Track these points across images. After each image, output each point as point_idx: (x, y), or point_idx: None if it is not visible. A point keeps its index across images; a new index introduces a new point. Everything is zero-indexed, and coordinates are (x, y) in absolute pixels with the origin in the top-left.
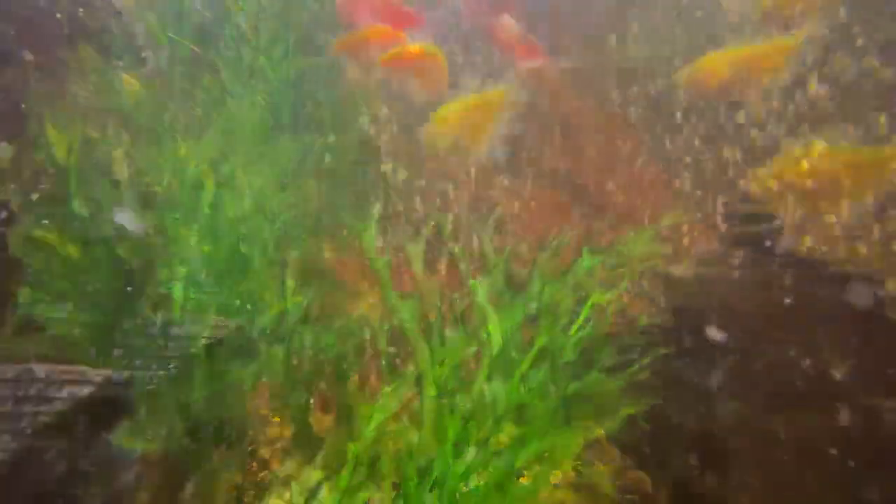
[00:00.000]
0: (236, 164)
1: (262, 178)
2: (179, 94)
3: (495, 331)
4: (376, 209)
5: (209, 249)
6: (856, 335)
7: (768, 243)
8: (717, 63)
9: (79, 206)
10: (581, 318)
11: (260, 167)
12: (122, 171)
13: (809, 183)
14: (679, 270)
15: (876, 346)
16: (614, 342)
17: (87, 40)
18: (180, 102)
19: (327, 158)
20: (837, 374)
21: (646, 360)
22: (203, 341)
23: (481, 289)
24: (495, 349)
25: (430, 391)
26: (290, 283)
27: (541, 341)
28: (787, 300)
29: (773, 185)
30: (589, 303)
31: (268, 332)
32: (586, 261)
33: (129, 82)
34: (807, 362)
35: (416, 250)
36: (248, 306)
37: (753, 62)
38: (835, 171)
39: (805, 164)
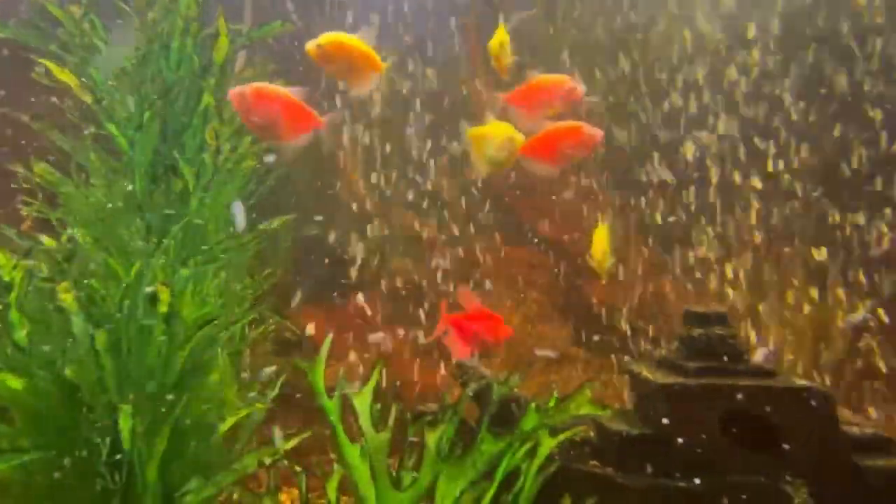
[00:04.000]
0: (195, 267)
1: (224, 275)
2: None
3: (445, 492)
4: (328, 340)
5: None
6: None
7: None
8: None
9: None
10: (532, 469)
11: (222, 264)
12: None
13: None
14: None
15: None
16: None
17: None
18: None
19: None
20: None
21: None
22: None
23: (432, 440)
24: None
25: None
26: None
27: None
28: None
29: None
30: (540, 453)
31: None
32: (531, 421)
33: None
34: None
35: (363, 404)
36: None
37: None
38: None
39: None
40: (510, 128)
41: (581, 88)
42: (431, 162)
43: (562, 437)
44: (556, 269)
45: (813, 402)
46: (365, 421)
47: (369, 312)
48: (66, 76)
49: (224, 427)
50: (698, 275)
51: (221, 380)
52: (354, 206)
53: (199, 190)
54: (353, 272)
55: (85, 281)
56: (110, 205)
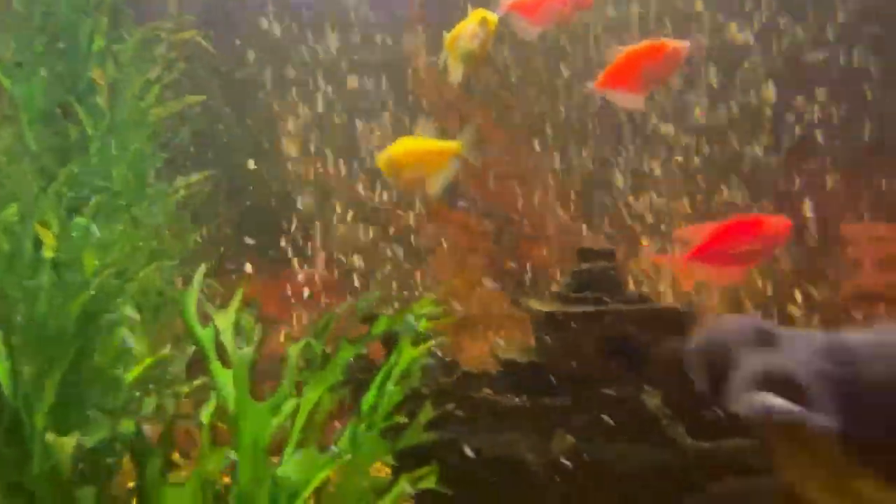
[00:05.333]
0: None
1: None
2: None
3: (306, 400)
4: (201, 270)
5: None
6: None
7: None
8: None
9: None
10: (396, 370)
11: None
12: None
13: None
14: None
15: None
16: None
17: None
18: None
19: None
20: None
21: None
22: None
23: (293, 352)
24: (302, 417)
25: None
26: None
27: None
28: None
29: None
30: (401, 361)
31: None
32: (380, 325)
33: None
34: None
35: (225, 322)
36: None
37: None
38: None
39: None
40: (483, 11)
41: None
42: (374, 126)
43: (423, 347)
44: (495, 234)
45: (673, 322)
46: (226, 337)
47: (312, 276)
48: None
49: (130, 376)
50: (640, 234)
51: (131, 332)
52: (297, 168)
53: (97, 136)
54: (296, 236)
55: None
56: None
